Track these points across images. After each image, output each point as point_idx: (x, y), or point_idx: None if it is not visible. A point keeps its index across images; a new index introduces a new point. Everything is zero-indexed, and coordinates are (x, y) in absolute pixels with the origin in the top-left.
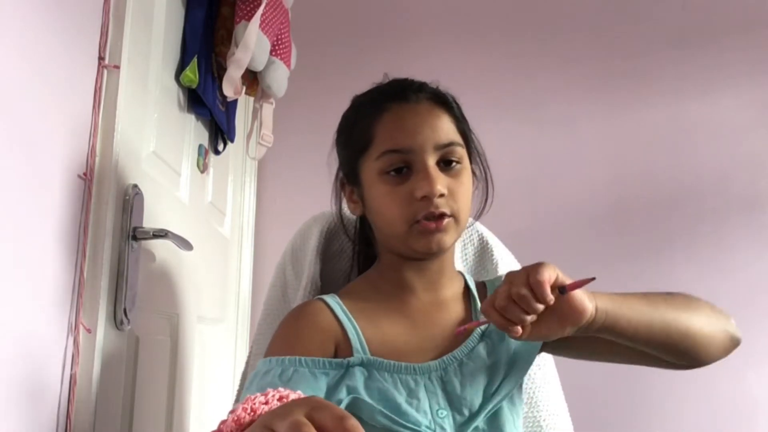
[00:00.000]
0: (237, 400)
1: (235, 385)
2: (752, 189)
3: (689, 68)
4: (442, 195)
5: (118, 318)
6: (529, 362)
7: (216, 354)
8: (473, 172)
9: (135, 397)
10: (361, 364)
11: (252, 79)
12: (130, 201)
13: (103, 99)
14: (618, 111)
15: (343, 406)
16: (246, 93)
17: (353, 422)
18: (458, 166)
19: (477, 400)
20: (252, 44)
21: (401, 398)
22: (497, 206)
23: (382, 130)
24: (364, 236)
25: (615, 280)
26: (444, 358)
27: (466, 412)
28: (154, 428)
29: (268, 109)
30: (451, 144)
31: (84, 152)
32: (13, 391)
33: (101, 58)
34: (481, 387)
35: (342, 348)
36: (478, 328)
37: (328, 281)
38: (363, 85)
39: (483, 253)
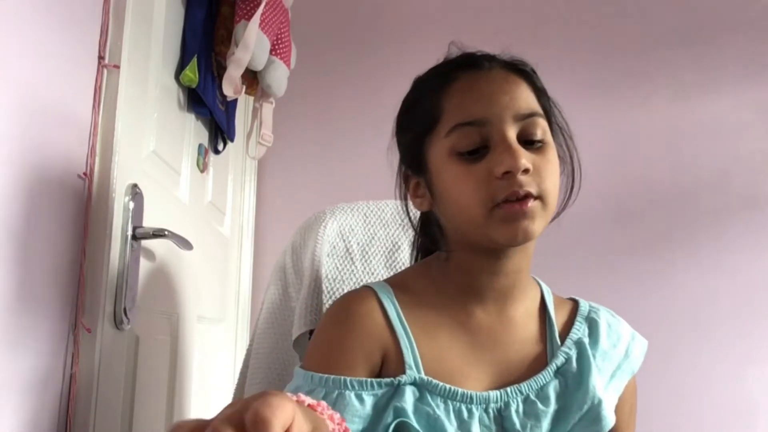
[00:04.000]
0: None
1: (235, 385)
2: (752, 189)
3: (689, 68)
4: (526, 171)
5: (118, 318)
6: (602, 426)
7: (216, 353)
8: (558, 155)
9: (135, 396)
10: (413, 383)
11: (252, 79)
12: (130, 201)
13: (103, 99)
14: (618, 111)
15: (390, 431)
16: (246, 92)
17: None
18: (542, 144)
19: None
20: (252, 44)
21: (451, 429)
22: None
23: (452, 101)
24: (426, 234)
25: (615, 280)
26: (508, 389)
27: None
28: (154, 428)
29: (268, 109)
30: (532, 114)
31: (84, 152)
32: (14, 390)
33: (101, 58)
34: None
35: (391, 360)
36: (553, 362)
37: (333, 281)
38: (363, 85)
39: None
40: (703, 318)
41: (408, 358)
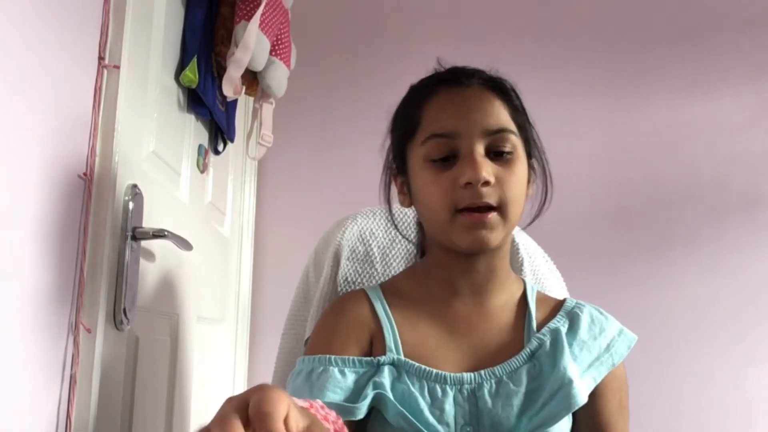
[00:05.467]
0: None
1: (235, 385)
2: (752, 189)
3: (689, 68)
4: (487, 183)
5: (118, 318)
6: (572, 404)
7: (216, 354)
8: (531, 168)
9: (135, 397)
10: (392, 363)
11: (252, 79)
12: (129, 201)
13: (103, 99)
14: (618, 111)
15: (368, 400)
16: (246, 93)
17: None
18: (510, 156)
19: (507, 425)
20: (252, 44)
21: (424, 405)
22: None
23: (429, 113)
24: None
25: (614, 280)
26: (482, 372)
27: None
28: (154, 428)
29: (267, 109)
30: (501, 130)
31: (84, 152)
32: (13, 390)
33: (101, 58)
34: (515, 413)
35: (377, 344)
36: (528, 347)
37: (352, 284)
38: (363, 86)
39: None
40: (703, 318)
41: (389, 341)
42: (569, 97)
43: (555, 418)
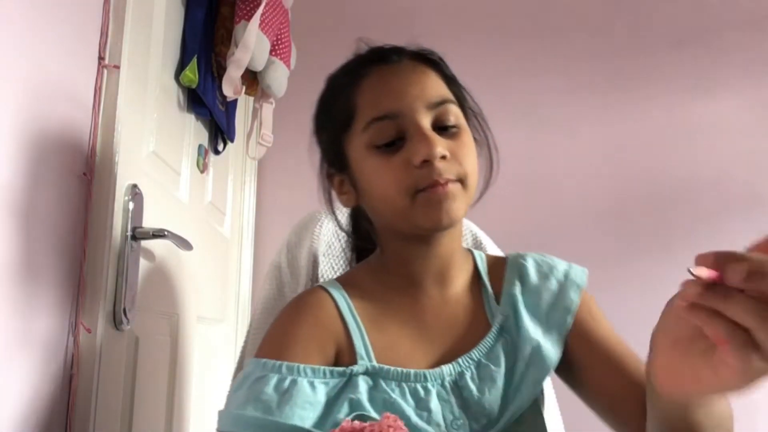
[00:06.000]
0: (228, 402)
1: None
2: (751, 189)
3: (689, 68)
4: (443, 157)
5: (118, 318)
6: (547, 366)
7: (216, 354)
8: (474, 138)
9: (135, 397)
10: (366, 372)
11: (252, 79)
12: (129, 201)
13: (103, 99)
14: (618, 111)
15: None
16: (246, 93)
17: None
18: (456, 129)
19: (496, 406)
20: (252, 44)
21: (410, 410)
22: (497, 206)
23: (364, 97)
24: (358, 231)
25: (614, 280)
26: (459, 360)
27: (485, 420)
28: (154, 428)
29: (267, 109)
30: (443, 102)
31: (84, 152)
32: (13, 390)
33: (101, 58)
34: (500, 391)
35: (344, 352)
36: (495, 324)
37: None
38: None
39: None
40: None
41: (360, 348)
42: (569, 97)
43: (537, 385)
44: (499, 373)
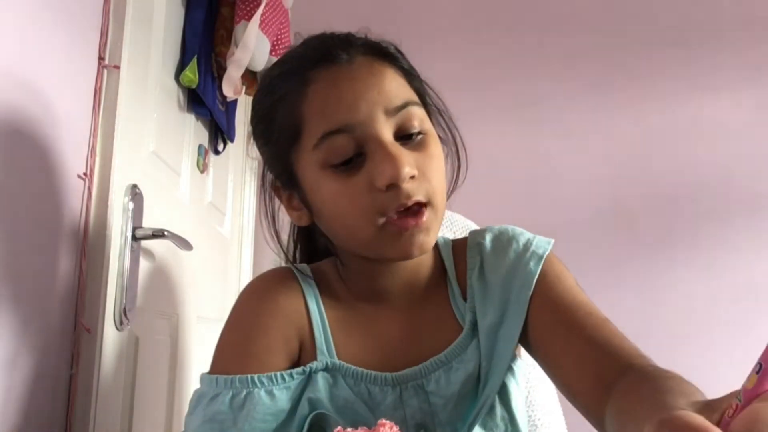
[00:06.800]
0: (185, 425)
1: None
2: (752, 189)
3: (689, 68)
4: (412, 177)
5: (117, 318)
6: (511, 350)
7: None
8: (439, 137)
9: (135, 397)
10: (326, 369)
11: (252, 79)
12: (129, 201)
13: (103, 99)
14: (618, 111)
15: (306, 425)
16: (246, 93)
17: None
18: (422, 136)
19: (464, 410)
20: (252, 44)
21: (367, 412)
22: (496, 205)
23: (312, 107)
24: (313, 243)
25: (614, 280)
26: (428, 363)
27: (449, 428)
28: (154, 428)
29: None
30: (406, 104)
31: (84, 152)
32: (13, 390)
33: (101, 58)
34: (470, 393)
35: (306, 346)
36: (466, 323)
37: None
38: None
39: None
40: (703, 318)
41: (320, 343)
42: (569, 96)
43: (504, 373)
44: (469, 373)
